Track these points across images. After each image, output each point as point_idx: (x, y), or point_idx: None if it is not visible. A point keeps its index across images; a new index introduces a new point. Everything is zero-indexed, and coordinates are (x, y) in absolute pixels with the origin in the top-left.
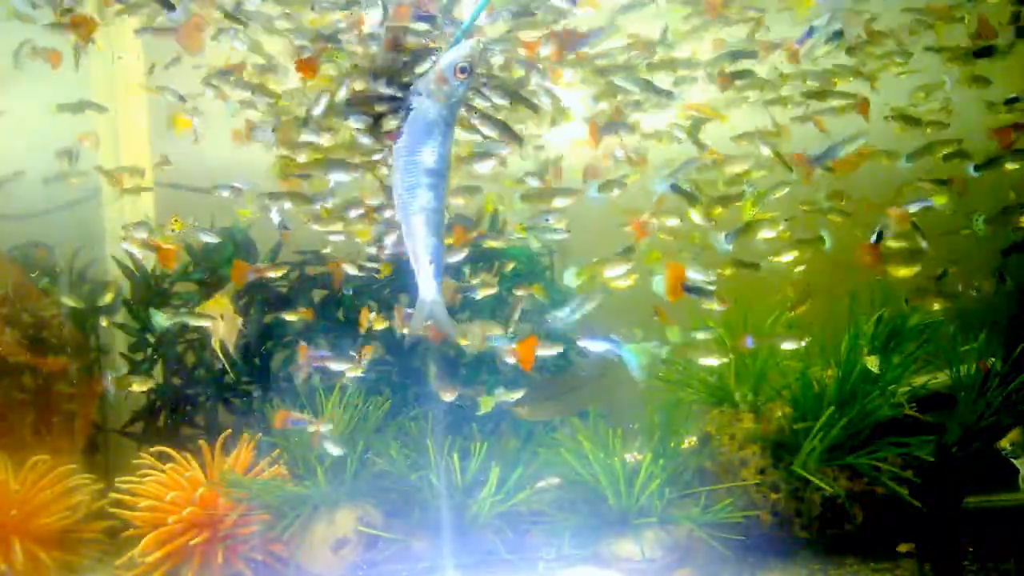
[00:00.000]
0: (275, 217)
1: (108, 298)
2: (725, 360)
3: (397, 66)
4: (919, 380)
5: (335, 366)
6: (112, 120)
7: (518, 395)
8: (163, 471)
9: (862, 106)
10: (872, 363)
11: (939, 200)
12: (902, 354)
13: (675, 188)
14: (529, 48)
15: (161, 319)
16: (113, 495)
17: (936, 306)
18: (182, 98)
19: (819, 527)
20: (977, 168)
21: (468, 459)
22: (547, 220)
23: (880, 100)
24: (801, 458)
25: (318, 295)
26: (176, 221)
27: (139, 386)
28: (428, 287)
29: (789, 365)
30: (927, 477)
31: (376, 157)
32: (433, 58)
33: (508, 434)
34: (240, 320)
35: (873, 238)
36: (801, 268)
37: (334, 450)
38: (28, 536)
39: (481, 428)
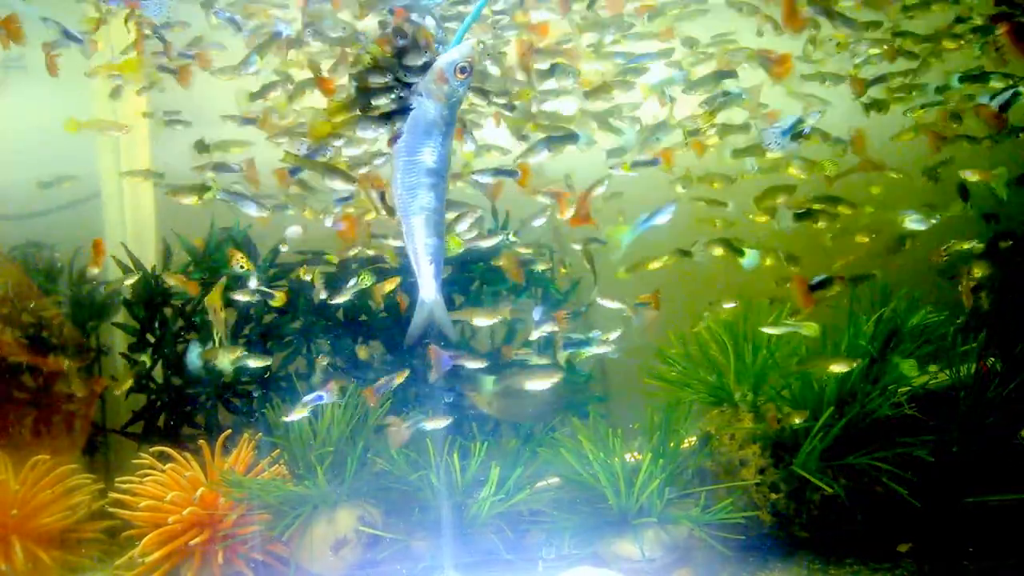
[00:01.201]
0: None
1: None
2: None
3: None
4: (919, 380)
5: (470, 364)
6: (112, 119)
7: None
8: (163, 471)
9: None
10: (908, 367)
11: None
12: (902, 354)
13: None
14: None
15: (227, 361)
16: (113, 495)
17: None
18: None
19: (819, 527)
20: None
21: (468, 459)
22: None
23: None
24: (801, 458)
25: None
26: (241, 258)
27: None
28: (428, 287)
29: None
30: (927, 477)
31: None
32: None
33: (508, 434)
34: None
35: None
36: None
37: (432, 425)
38: (28, 536)
39: (481, 428)
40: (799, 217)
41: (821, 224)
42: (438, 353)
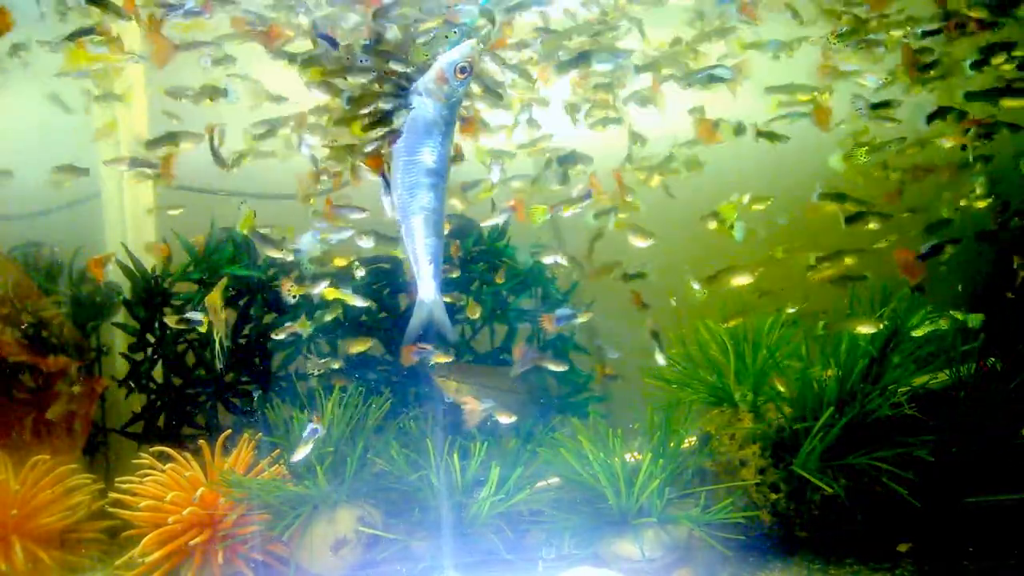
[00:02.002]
0: None
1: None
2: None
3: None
4: (919, 380)
5: (552, 367)
6: (111, 119)
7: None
8: (163, 471)
9: None
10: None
11: None
12: (902, 354)
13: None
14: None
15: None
16: (113, 495)
17: None
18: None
19: (819, 527)
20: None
21: (468, 459)
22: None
23: None
24: (801, 458)
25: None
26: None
27: None
28: (427, 287)
29: (789, 365)
30: (927, 477)
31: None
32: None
33: (508, 434)
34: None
35: None
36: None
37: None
38: (28, 536)
39: (481, 428)
40: (849, 221)
41: (872, 226)
42: (524, 351)
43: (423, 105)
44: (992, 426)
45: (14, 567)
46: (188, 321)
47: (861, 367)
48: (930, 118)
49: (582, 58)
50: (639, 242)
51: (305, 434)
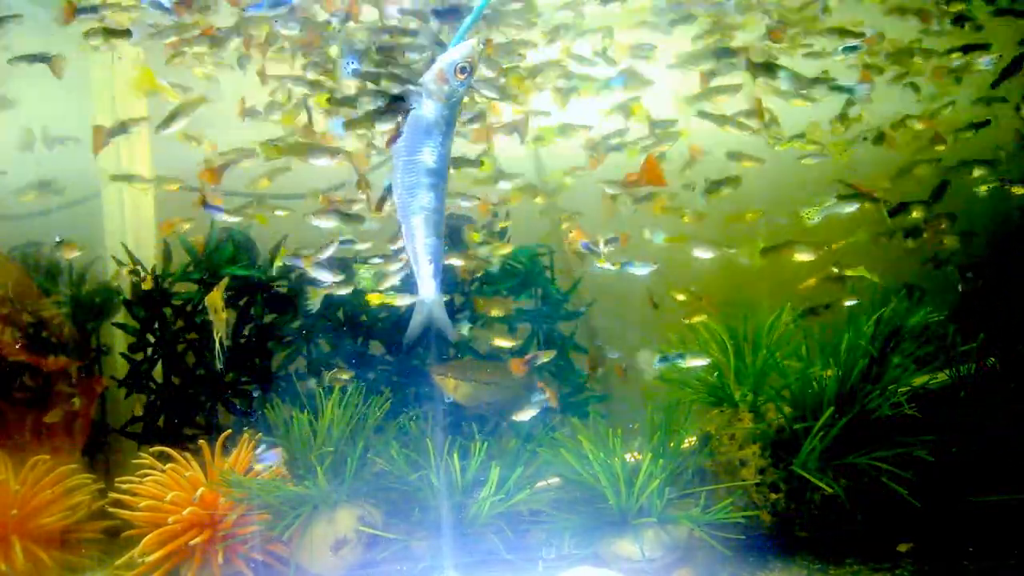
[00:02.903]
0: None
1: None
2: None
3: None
4: (919, 380)
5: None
6: (112, 119)
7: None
8: (163, 471)
9: None
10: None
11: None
12: (902, 354)
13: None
14: None
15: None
16: (113, 495)
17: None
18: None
19: (819, 527)
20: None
21: (468, 459)
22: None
23: None
24: (801, 458)
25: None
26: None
27: None
28: (428, 287)
29: (789, 365)
30: (927, 477)
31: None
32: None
33: (508, 434)
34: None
35: None
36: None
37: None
38: (28, 536)
39: (481, 428)
40: (893, 214)
41: (916, 214)
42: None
43: (423, 105)
44: (992, 426)
45: (14, 567)
46: (138, 275)
47: (861, 367)
48: (996, 82)
49: (726, 53)
50: (641, 269)
51: (259, 452)
